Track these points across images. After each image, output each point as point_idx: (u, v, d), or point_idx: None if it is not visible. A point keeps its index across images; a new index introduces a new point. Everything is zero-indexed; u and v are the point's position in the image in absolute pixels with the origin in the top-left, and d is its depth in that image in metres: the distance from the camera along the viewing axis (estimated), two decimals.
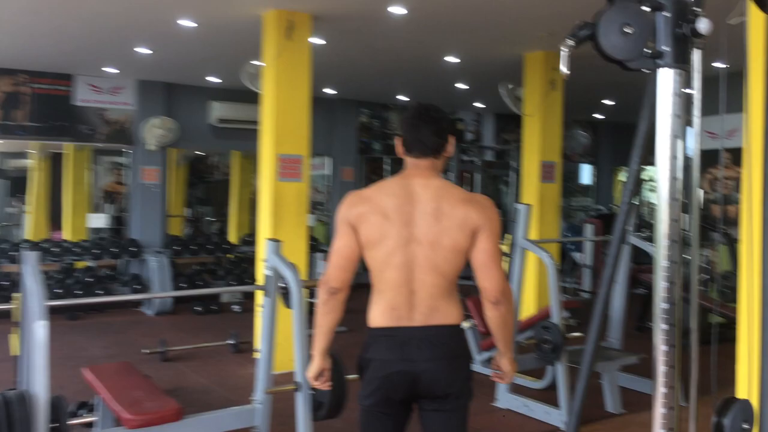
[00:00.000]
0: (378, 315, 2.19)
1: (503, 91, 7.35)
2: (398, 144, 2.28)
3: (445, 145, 2.25)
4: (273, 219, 5.45)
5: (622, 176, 14.24)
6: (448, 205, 2.16)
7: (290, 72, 5.50)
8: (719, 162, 8.40)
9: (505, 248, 4.58)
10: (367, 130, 10.47)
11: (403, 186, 2.21)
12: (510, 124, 11.97)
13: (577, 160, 13.03)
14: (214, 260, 9.25)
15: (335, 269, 2.18)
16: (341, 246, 2.19)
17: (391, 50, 7.01)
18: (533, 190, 7.06)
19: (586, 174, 13.61)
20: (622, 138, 13.35)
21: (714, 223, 7.34)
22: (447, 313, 2.18)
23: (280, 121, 5.51)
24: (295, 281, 3.22)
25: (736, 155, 8.48)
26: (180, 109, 8.71)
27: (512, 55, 6.99)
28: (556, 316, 4.06)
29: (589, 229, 8.46)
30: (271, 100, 5.53)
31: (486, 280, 2.15)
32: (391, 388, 2.16)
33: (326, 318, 2.21)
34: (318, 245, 9.33)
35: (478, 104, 10.88)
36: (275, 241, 3.39)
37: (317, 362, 2.25)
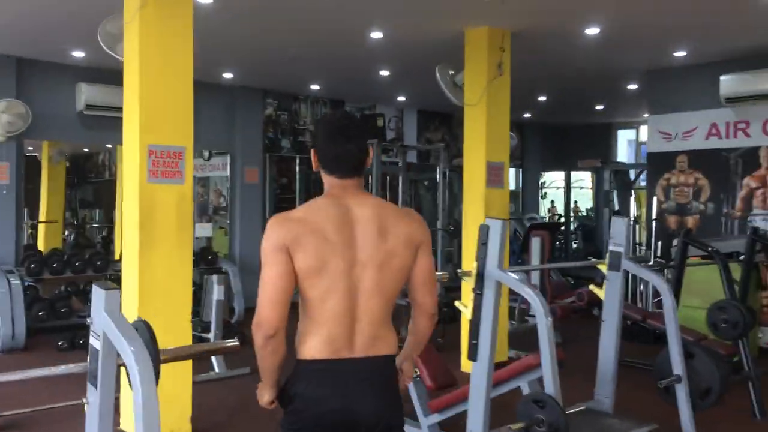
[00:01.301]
0: (313, 347, 1.97)
1: (442, 78, 6.09)
2: (314, 159, 2.06)
3: (367, 158, 2.07)
4: (142, 235, 3.94)
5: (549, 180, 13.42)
6: (391, 222, 2.02)
7: (162, 30, 4.01)
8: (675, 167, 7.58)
9: (469, 282, 3.29)
10: (274, 124, 9.00)
11: (336, 206, 2.00)
12: (434, 121, 10.80)
13: None
14: (90, 278, 7.53)
15: (270, 306, 1.92)
16: (275, 276, 1.92)
17: (302, 23, 5.64)
18: (477, 197, 5.85)
19: (510, 179, 12.67)
20: (550, 140, 12.54)
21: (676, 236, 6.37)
22: (388, 342, 2.04)
23: (149, 100, 4.00)
24: (141, 361, 1.79)
25: (694, 157, 8.19)
26: (35, 90, 6.96)
27: (451, 31, 5.77)
28: (551, 384, 2.79)
29: (536, 243, 7.43)
30: (134, 67, 4.00)
31: (427, 295, 2.11)
32: (326, 428, 1.97)
33: (269, 360, 1.99)
34: (215, 261, 7.83)
35: (400, 98, 9.64)
36: (109, 289, 1.92)
37: (269, 394, 2.07)
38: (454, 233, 10.00)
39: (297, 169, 9.54)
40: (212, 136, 8.30)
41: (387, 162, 9.71)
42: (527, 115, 11.32)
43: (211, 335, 5.58)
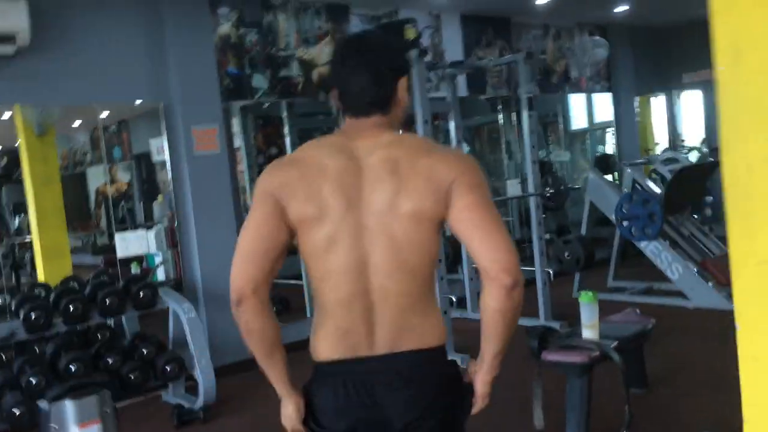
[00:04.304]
0: (324, 343, 1.52)
1: None
2: (333, 96, 1.56)
3: (390, 93, 1.52)
4: None
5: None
6: (407, 158, 1.47)
7: None
8: None
9: None
10: (235, 50, 5.39)
11: (342, 150, 1.49)
12: (486, 32, 7.15)
13: (587, 88, 8.35)
14: None
15: (239, 262, 1.47)
16: (254, 222, 1.47)
17: None
18: None
19: (602, 109, 8.97)
20: (643, 51, 8.78)
21: None
22: (423, 331, 1.50)
23: None
24: None
25: None
26: None
27: None
28: None
29: None
30: None
31: (486, 250, 1.41)
32: None
33: (252, 346, 1.52)
34: (151, 297, 4.32)
35: None
36: None
37: (289, 401, 1.56)
38: (556, 200, 6.53)
39: (285, 125, 5.98)
40: (123, 79, 4.74)
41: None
42: (619, 10, 7.62)
43: None
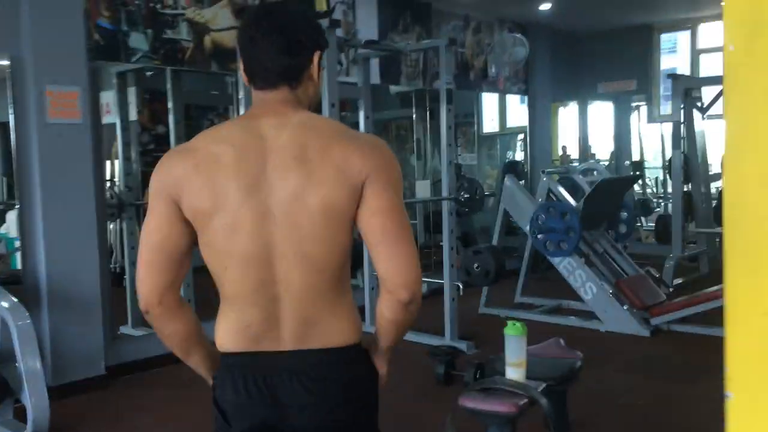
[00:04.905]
0: (226, 334, 1.43)
1: None
2: (241, 68, 1.45)
3: (304, 65, 1.42)
4: None
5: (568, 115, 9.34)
6: (317, 144, 1.35)
7: None
8: None
9: None
10: (108, 2, 4.50)
11: (246, 130, 1.39)
12: (404, 15, 6.54)
13: (504, 88, 7.92)
14: None
15: (143, 272, 1.39)
16: (153, 232, 1.39)
17: None
18: None
19: (516, 114, 8.56)
20: (561, 55, 8.46)
21: None
22: (331, 329, 1.40)
23: None
24: None
25: None
26: None
27: None
28: None
29: None
30: None
31: (388, 259, 1.36)
32: None
33: (169, 344, 1.48)
34: None
35: None
36: None
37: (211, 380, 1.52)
38: (470, 206, 5.97)
39: (170, 96, 5.13)
40: None
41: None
42: (543, 7, 7.22)
43: None
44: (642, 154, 9.10)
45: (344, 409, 1.43)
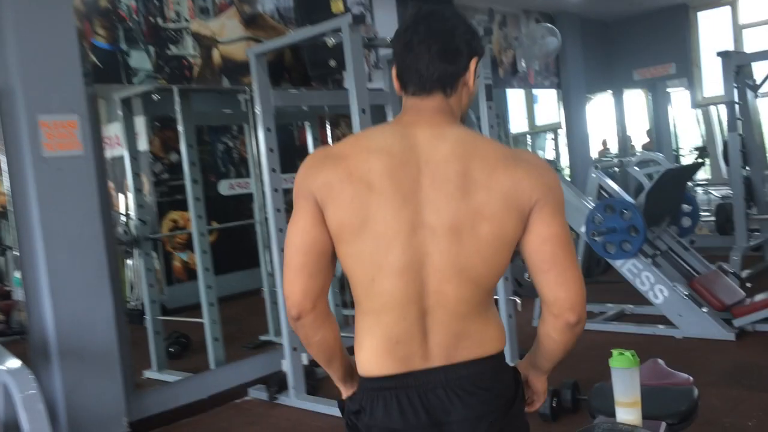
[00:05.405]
0: (371, 356, 1.36)
1: None
2: (394, 76, 1.42)
3: (460, 72, 1.38)
4: None
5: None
6: (482, 167, 1.31)
7: None
8: None
9: None
10: (104, 19, 4.05)
11: (400, 137, 1.35)
12: None
13: (535, 83, 7.39)
14: None
15: (291, 276, 1.35)
16: (297, 232, 1.35)
17: None
18: None
19: (545, 111, 8.01)
20: (593, 45, 7.91)
21: None
22: (483, 338, 1.37)
23: None
24: None
25: None
26: None
27: None
28: None
29: None
30: None
31: (557, 286, 1.33)
32: None
33: (313, 351, 1.44)
34: None
35: None
36: None
37: (345, 389, 1.51)
38: None
39: (179, 119, 4.68)
40: None
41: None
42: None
43: None
44: (700, 141, 8.44)
45: (501, 420, 1.38)
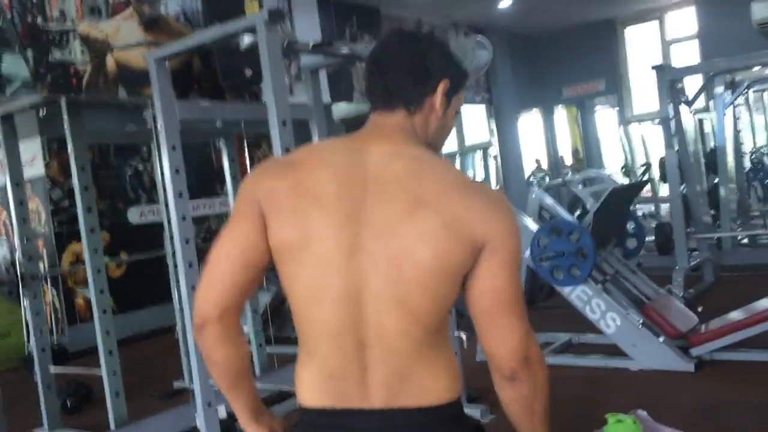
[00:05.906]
0: (307, 387, 1.29)
1: None
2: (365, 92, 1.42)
3: (426, 91, 1.32)
4: None
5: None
6: (435, 190, 1.22)
7: None
8: None
9: None
10: None
11: (351, 151, 1.28)
12: (350, 19, 5.58)
13: (465, 98, 7.05)
14: None
15: (204, 283, 1.29)
16: (236, 239, 1.27)
17: None
18: None
19: (475, 127, 7.65)
20: (523, 59, 7.63)
21: None
22: (429, 386, 1.24)
23: None
24: None
25: None
26: None
27: None
28: None
29: None
30: None
31: (494, 339, 1.23)
32: None
33: (215, 373, 1.33)
34: None
35: None
36: None
37: (254, 429, 1.39)
38: None
39: (68, 136, 3.99)
40: None
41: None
42: (502, 6, 6.40)
43: None
44: (626, 159, 8.34)
45: None
